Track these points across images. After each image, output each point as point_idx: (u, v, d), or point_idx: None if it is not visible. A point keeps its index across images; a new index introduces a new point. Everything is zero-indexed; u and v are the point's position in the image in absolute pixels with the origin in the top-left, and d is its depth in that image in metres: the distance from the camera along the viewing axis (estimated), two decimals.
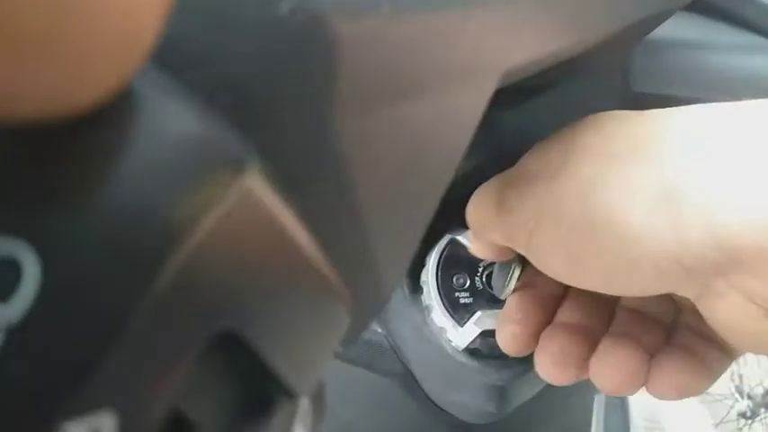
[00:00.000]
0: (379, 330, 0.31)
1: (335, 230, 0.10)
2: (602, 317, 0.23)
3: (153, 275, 0.07)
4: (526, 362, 0.27)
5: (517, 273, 0.25)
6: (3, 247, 0.06)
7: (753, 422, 1.12)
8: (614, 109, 0.30)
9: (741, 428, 1.13)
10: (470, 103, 0.13)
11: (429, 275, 0.27)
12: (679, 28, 0.28)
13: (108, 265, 0.07)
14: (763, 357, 1.18)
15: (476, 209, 0.22)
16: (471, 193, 0.29)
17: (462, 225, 0.28)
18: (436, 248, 0.28)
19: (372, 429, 0.34)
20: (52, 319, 0.06)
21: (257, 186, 0.08)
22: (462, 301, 0.27)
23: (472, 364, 0.27)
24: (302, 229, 0.09)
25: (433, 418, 0.32)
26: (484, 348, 0.27)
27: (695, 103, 0.30)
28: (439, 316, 0.27)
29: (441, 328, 0.27)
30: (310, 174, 0.09)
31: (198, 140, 0.08)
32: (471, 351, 0.27)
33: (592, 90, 0.29)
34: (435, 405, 0.31)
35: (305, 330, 0.10)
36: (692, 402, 1.22)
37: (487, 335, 0.26)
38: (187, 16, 0.08)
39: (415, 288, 0.28)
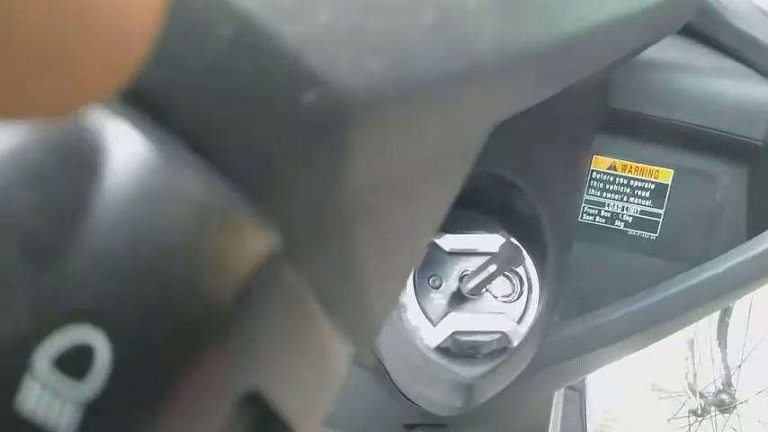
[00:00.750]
0: None
1: (338, 289, 0.11)
2: None
3: (196, 345, 0.08)
4: (493, 360, 0.29)
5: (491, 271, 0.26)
6: (76, 333, 0.07)
7: (702, 420, 1.17)
8: (591, 125, 0.31)
9: (691, 425, 1.18)
10: (460, 163, 0.15)
11: None
12: (659, 48, 0.30)
13: (161, 337, 0.08)
14: (717, 357, 1.23)
15: None
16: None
17: (441, 229, 0.29)
18: None
19: (343, 416, 0.35)
20: (122, 393, 0.07)
21: (278, 258, 0.09)
22: (436, 301, 0.28)
23: (442, 361, 0.28)
24: (312, 295, 0.10)
25: (402, 407, 0.33)
26: (454, 348, 0.28)
27: (669, 122, 0.31)
28: (413, 315, 0.28)
29: (414, 326, 0.28)
30: (319, 243, 0.10)
31: (227, 213, 0.08)
32: (442, 350, 0.28)
33: (570, 106, 0.30)
34: (405, 397, 0.32)
35: (314, 383, 0.11)
36: (647, 397, 1.26)
37: (458, 335, 0.28)
38: (218, 99, 0.09)
39: None
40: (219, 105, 0.09)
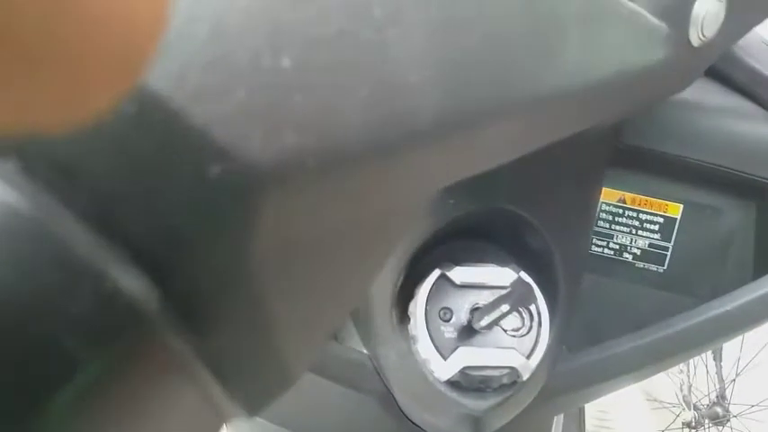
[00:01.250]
0: (364, 351, 0.32)
1: (239, 355, 0.11)
2: None
3: (45, 408, 0.08)
4: (502, 394, 0.29)
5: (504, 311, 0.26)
6: None
7: None
8: (603, 160, 0.31)
9: None
10: (395, 228, 0.14)
11: (417, 307, 0.29)
12: None
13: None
14: (712, 370, 1.24)
15: None
16: (460, 233, 0.30)
17: (452, 261, 0.29)
18: (426, 282, 0.29)
19: None
20: None
21: (158, 327, 0.09)
22: (447, 335, 0.29)
23: (451, 395, 0.29)
24: (198, 362, 0.10)
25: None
26: (464, 381, 0.29)
27: (680, 158, 0.32)
28: (424, 347, 0.28)
29: (425, 359, 0.28)
30: (220, 313, 0.10)
31: (102, 278, 0.09)
32: (452, 383, 0.29)
33: (582, 143, 0.30)
34: (412, 423, 0.32)
35: None
36: (641, 408, 1.27)
37: (468, 370, 0.28)
38: (118, 172, 0.09)
39: (403, 318, 0.30)
40: (119, 178, 0.09)
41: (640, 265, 0.33)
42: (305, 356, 0.13)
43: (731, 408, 1.20)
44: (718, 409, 1.20)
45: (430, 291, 0.29)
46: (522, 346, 0.29)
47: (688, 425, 1.18)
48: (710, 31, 0.23)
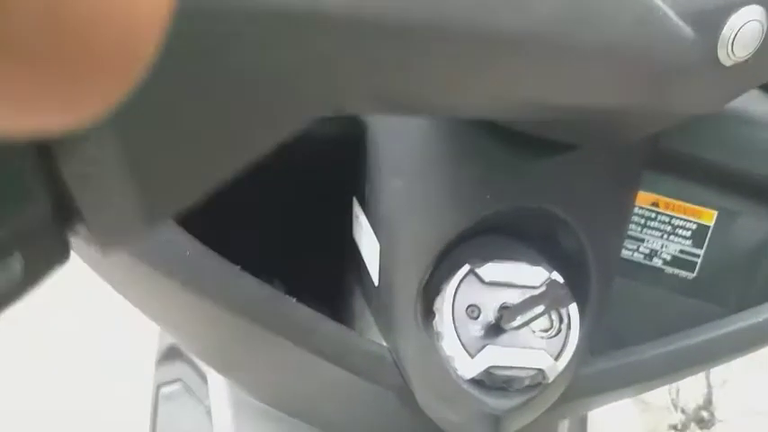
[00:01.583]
0: (384, 344, 0.32)
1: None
2: None
3: None
4: (526, 394, 0.28)
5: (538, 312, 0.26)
6: None
7: None
8: (640, 162, 0.30)
9: None
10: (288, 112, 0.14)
11: (444, 303, 0.28)
12: None
13: None
14: (701, 375, 1.25)
15: None
16: (488, 230, 0.29)
17: (482, 257, 0.29)
18: (454, 278, 0.28)
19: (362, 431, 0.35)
20: None
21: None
22: (474, 333, 0.28)
23: (474, 393, 0.28)
24: None
25: (423, 428, 0.33)
26: (488, 380, 0.28)
27: (716, 164, 0.31)
28: (449, 344, 0.28)
29: (449, 356, 0.28)
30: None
31: None
32: (475, 381, 0.28)
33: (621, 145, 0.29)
34: (429, 419, 0.32)
35: None
36: (629, 409, 1.28)
37: (494, 369, 0.27)
38: None
39: (428, 313, 0.29)
40: None
41: (670, 270, 0.32)
42: (168, 204, 0.12)
43: (717, 413, 1.21)
44: (704, 414, 1.21)
45: (458, 287, 0.28)
46: (550, 347, 0.28)
47: (674, 427, 1.19)
48: (744, 51, 0.22)
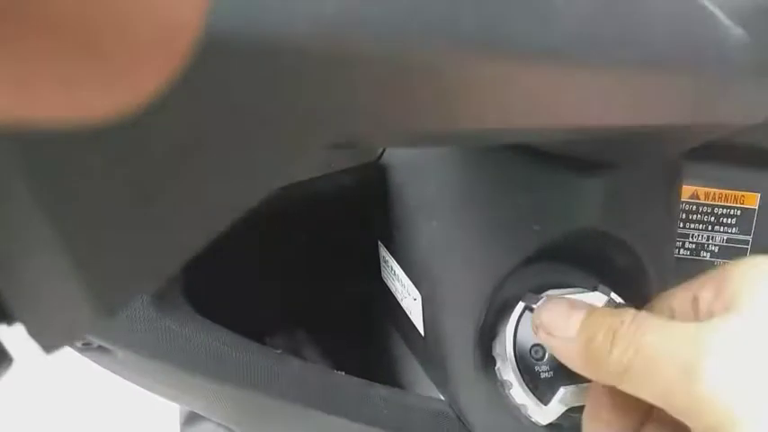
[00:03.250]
0: (442, 398, 0.29)
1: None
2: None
3: None
4: None
5: None
6: None
7: None
8: (681, 158, 0.28)
9: None
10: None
11: (506, 348, 0.26)
12: None
13: None
14: None
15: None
16: (538, 261, 0.27)
17: (536, 292, 0.26)
18: (510, 318, 0.26)
19: None
20: None
21: None
22: (543, 375, 0.26)
23: None
24: None
25: None
26: (565, 423, 0.26)
27: (757, 148, 0.29)
28: (519, 393, 0.25)
29: (520, 404, 0.26)
30: None
31: None
32: (552, 425, 0.26)
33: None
34: None
35: None
36: None
37: (571, 411, 0.25)
38: None
39: (487, 359, 0.27)
40: None
41: (720, 262, 0.30)
42: (120, 292, 0.10)
43: None
44: None
45: (516, 327, 0.26)
46: None
47: None
48: None
